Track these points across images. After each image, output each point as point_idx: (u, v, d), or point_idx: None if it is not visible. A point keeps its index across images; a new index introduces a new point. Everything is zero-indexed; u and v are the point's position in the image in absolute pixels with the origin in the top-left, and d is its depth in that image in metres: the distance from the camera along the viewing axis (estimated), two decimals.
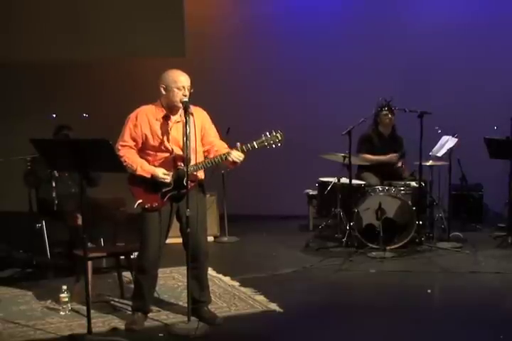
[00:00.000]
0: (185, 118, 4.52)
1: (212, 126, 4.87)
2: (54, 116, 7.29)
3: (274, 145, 4.61)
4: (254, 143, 4.60)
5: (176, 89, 4.61)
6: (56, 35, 8.49)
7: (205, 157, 4.77)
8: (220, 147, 4.79)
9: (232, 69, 8.74)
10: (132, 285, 5.25)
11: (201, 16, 8.74)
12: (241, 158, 4.60)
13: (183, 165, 4.59)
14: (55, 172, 6.41)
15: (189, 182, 4.55)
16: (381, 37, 8.50)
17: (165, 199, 4.67)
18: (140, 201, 4.67)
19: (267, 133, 4.61)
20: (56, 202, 6.40)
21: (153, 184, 4.64)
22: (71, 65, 8.82)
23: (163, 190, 4.66)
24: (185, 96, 4.61)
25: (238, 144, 4.63)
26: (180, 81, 4.63)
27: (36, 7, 8.57)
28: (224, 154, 4.63)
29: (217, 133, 4.90)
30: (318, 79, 8.65)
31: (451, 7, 8.49)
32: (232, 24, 8.85)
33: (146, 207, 4.67)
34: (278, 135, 4.61)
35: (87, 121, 7.77)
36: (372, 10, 8.55)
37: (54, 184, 6.44)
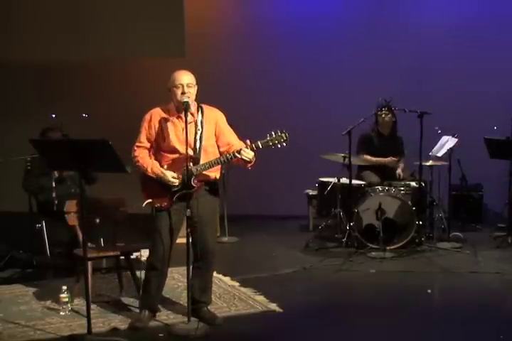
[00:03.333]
0: (185, 118, 4.52)
1: (228, 126, 4.85)
2: (53, 116, 7.29)
3: (279, 145, 4.58)
4: (259, 142, 4.57)
5: (174, 88, 4.63)
6: (56, 35, 8.50)
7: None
8: (237, 146, 4.73)
9: (232, 69, 8.74)
10: (132, 286, 5.27)
11: (201, 17, 8.74)
12: (250, 156, 4.55)
13: (191, 165, 4.61)
14: (55, 172, 6.41)
15: (196, 181, 4.59)
16: (381, 38, 8.49)
17: (173, 199, 4.69)
18: (149, 200, 4.71)
19: (272, 133, 4.57)
20: (56, 202, 6.40)
21: (163, 184, 4.67)
22: (71, 65, 8.83)
23: (172, 190, 4.68)
24: (185, 93, 4.60)
25: (248, 142, 4.60)
26: (177, 79, 4.64)
27: (36, 7, 8.58)
28: (232, 152, 4.60)
29: (234, 133, 4.86)
30: (319, 80, 8.65)
31: (451, 8, 8.48)
32: (233, 25, 8.85)
33: (156, 206, 4.70)
34: (283, 135, 4.57)
35: (87, 121, 7.77)
36: (372, 11, 8.55)
37: (54, 184, 6.44)
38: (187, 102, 4.56)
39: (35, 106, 8.84)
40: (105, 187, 6.46)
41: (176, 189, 4.67)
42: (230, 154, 4.61)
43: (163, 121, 4.70)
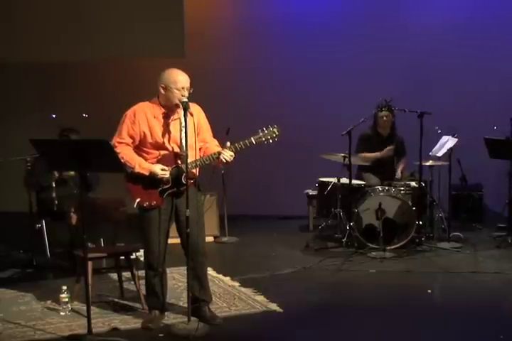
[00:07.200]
0: (185, 118, 4.51)
1: (207, 122, 4.86)
2: (54, 116, 7.29)
3: (271, 141, 4.63)
4: (252, 138, 4.61)
5: (175, 90, 4.60)
6: (56, 35, 8.51)
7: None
8: (211, 145, 4.80)
9: (231, 69, 8.74)
10: (131, 286, 5.27)
11: (201, 17, 8.74)
12: (229, 158, 4.60)
13: (180, 162, 4.60)
14: (56, 172, 6.41)
15: (187, 179, 4.57)
16: (381, 37, 8.49)
17: (163, 197, 4.67)
18: (138, 199, 4.67)
19: (264, 129, 4.63)
20: (56, 202, 6.40)
21: (151, 182, 4.63)
22: (71, 65, 8.84)
23: (162, 188, 4.66)
24: (184, 96, 4.59)
25: (228, 144, 4.63)
26: (180, 82, 4.61)
27: (36, 7, 8.58)
28: (215, 153, 4.64)
29: (210, 130, 4.89)
30: (318, 80, 8.65)
31: (451, 7, 8.48)
32: (232, 25, 8.85)
33: (145, 205, 4.66)
34: (275, 130, 4.63)
35: (87, 121, 7.78)
36: (372, 10, 8.55)
37: (54, 184, 6.44)
38: (186, 102, 4.55)
39: (36, 106, 8.85)
40: (105, 187, 6.46)
41: (166, 187, 4.66)
42: (215, 154, 4.64)
43: (149, 118, 4.65)
